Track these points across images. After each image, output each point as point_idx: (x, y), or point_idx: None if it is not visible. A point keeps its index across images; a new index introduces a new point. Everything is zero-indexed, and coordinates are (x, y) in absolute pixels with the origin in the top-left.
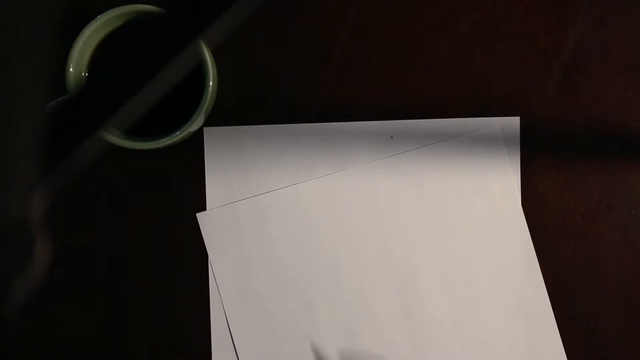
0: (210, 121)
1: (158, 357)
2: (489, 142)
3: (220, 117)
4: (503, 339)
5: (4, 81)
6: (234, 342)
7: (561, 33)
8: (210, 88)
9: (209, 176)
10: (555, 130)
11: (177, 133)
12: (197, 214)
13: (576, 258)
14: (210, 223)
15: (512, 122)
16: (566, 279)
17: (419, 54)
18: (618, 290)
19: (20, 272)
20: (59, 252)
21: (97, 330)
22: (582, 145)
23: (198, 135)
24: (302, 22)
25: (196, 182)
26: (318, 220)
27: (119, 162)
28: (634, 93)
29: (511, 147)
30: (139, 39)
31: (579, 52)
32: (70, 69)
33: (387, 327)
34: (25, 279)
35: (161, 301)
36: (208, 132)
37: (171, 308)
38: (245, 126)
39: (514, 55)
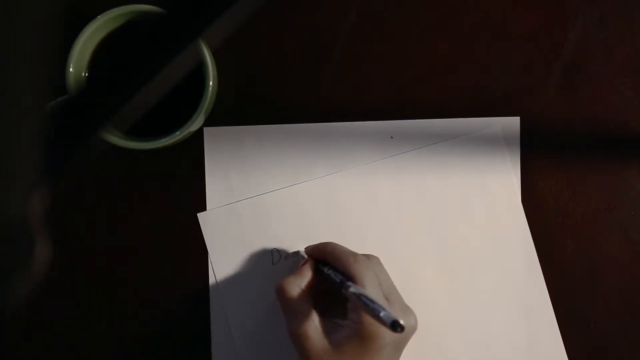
0: (210, 121)
1: (158, 357)
2: (490, 142)
3: (220, 117)
4: (504, 338)
5: (4, 81)
6: (235, 342)
7: (561, 33)
8: (210, 88)
9: (209, 176)
10: (555, 130)
11: (177, 133)
12: (198, 214)
13: (576, 258)
14: (211, 223)
15: (512, 122)
16: (566, 279)
17: (419, 54)
18: (618, 290)
19: (20, 272)
20: (59, 252)
21: (97, 330)
22: (582, 145)
23: (198, 135)
24: (302, 22)
25: (196, 182)
26: (318, 220)
27: (119, 162)
28: (634, 93)
29: (511, 147)
30: (139, 39)
31: (579, 52)
32: (70, 69)
33: None
34: (25, 278)
35: (161, 301)
36: (208, 132)
37: (171, 307)
38: (245, 126)
39: (514, 55)
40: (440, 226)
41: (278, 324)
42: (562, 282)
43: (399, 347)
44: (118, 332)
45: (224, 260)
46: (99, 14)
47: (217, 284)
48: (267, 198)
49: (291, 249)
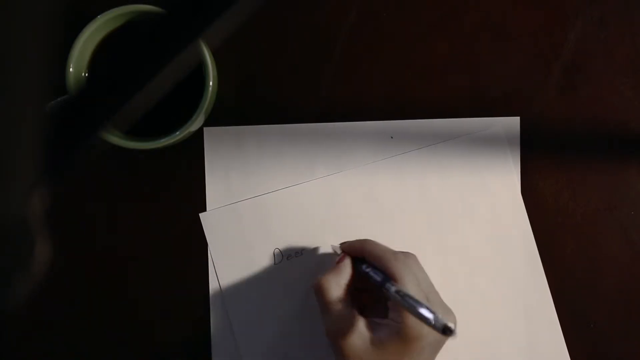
0: (210, 121)
1: (158, 356)
2: (491, 143)
3: (220, 117)
4: (506, 337)
5: (4, 81)
6: (236, 342)
7: (561, 33)
8: (210, 88)
9: (209, 176)
10: (555, 130)
11: (177, 133)
12: (200, 214)
13: (576, 258)
14: (213, 223)
15: (512, 122)
16: (566, 279)
17: (419, 54)
18: (618, 290)
19: (20, 272)
20: (59, 252)
21: (97, 330)
22: (582, 145)
23: (198, 135)
24: (302, 22)
25: (196, 182)
26: (319, 220)
27: (119, 162)
28: (634, 93)
29: (511, 147)
30: (139, 39)
31: (579, 52)
32: (70, 69)
33: None
34: (25, 278)
35: (161, 301)
36: (208, 132)
37: (171, 308)
38: (245, 126)
39: (514, 55)
40: (442, 226)
41: (280, 324)
42: (562, 282)
43: (438, 348)
44: (118, 332)
45: (225, 261)
46: (99, 14)
47: (219, 284)
48: (268, 198)
49: (293, 249)
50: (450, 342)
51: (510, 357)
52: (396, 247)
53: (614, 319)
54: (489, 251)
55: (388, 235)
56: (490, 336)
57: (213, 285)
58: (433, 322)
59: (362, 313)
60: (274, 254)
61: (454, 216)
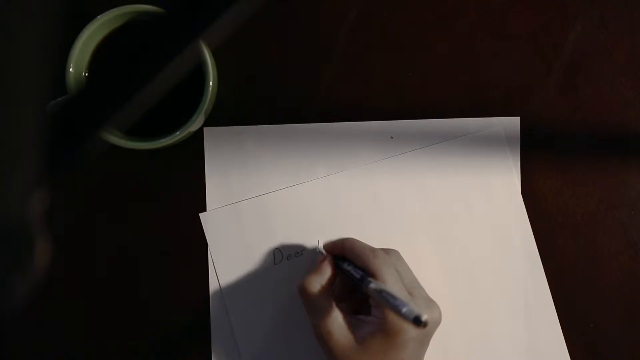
0: (210, 121)
1: (158, 357)
2: (491, 143)
3: (220, 117)
4: (506, 337)
5: (4, 81)
6: (236, 342)
7: (561, 33)
8: (210, 88)
9: (209, 176)
10: (555, 130)
11: (177, 133)
12: (200, 214)
13: (576, 258)
14: (213, 223)
15: (512, 122)
16: (566, 279)
17: (419, 54)
18: (618, 290)
19: (20, 272)
20: (59, 252)
21: (97, 330)
22: (582, 145)
23: (198, 135)
24: (302, 22)
25: (196, 182)
26: (319, 220)
27: (119, 162)
28: (634, 93)
29: (511, 147)
30: (139, 39)
31: (579, 52)
32: (70, 69)
33: None
34: (25, 278)
35: (161, 301)
36: (208, 132)
37: (171, 308)
38: (245, 126)
39: (514, 55)
40: (442, 226)
41: (280, 324)
42: (562, 282)
43: (424, 341)
44: (118, 333)
45: (225, 261)
46: (99, 14)
47: (219, 284)
48: (268, 198)
49: (293, 249)
50: (449, 342)
51: (510, 357)
52: (395, 246)
53: (613, 319)
54: (489, 251)
55: (388, 235)
56: (490, 336)
57: (213, 285)
58: (404, 313)
59: (349, 311)
60: (274, 254)
61: (453, 216)
